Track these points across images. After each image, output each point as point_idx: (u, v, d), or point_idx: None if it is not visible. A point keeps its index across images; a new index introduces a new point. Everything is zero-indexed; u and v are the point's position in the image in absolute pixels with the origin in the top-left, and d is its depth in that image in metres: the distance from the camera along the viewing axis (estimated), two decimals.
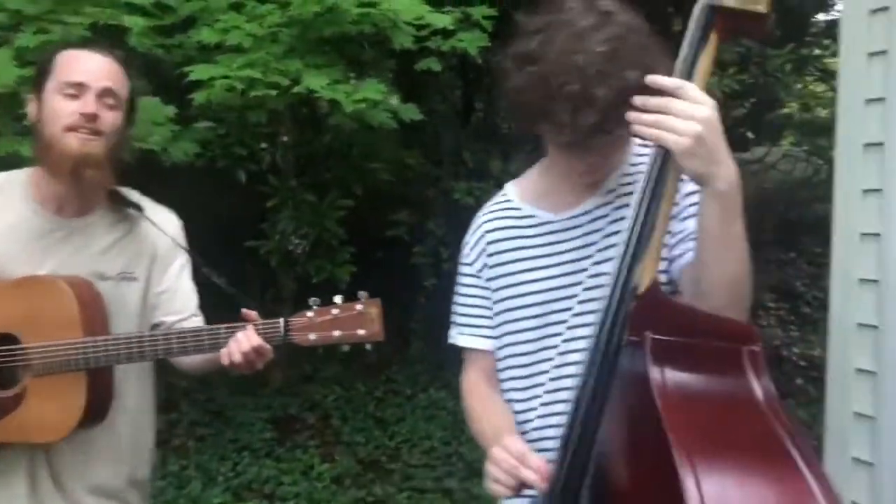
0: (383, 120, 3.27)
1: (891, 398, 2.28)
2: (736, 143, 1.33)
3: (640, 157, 1.38)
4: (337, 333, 1.54)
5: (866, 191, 2.37)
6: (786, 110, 6.96)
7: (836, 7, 6.29)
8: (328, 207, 3.89)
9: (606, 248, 1.35)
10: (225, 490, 4.04)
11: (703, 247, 1.18)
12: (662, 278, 1.31)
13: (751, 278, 1.18)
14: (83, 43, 1.64)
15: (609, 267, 1.22)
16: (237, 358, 1.54)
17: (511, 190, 1.52)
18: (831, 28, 5.70)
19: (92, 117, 1.58)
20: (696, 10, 1.14)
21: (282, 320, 1.56)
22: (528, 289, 1.41)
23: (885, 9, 2.31)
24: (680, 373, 1.03)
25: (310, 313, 1.55)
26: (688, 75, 1.13)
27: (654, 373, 1.02)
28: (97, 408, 1.62)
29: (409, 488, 4.27)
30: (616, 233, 1.32)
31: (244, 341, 1.54)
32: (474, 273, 1.50)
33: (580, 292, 1.36)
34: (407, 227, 5.14)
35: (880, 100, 2.31)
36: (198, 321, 1.77)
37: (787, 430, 0.98)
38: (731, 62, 5.07)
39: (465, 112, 5.74)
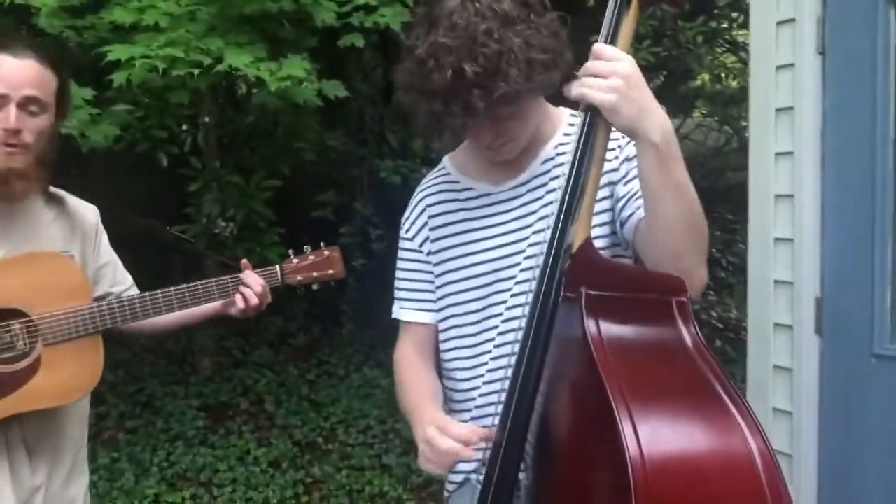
0: (308, 97, 3.24)
1: (806, 350, 2.40)
2: None
3: (572, 126, 1.42)
4: (315, 274, 1.88)
5: (779, 154, 2.47)
6: (697, 82, 7.17)
7: None
8: (255, 188, 3.84)
9: (547, 216, 1.38)
10: (159, 480, 3.98)
11: (649, 199, 1.19)
12: (606, 242, 1.36)
13: (704, 219, 1.20)
14: (1, 44, 1.60)
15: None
16: (254, 301, 1.77)
17: (449, 163, 1.54)
18: (738, 1, 5.88)
19: (14, 132, 1.56)
20: None
21: (278, 266, 1.86)
22: (471, 261, 1.44)
23: None
24: (614, 325, 1.07)
25: (295, 260, 1.87)
26: (611, 41, 1.16)
27: (590, 326, 1.06)
28: None
29: (348, 467, 4.29)
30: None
31: (255, 285, 1.78)
32: (415, 248, 1.52)
33: (522, 261, 1.39)
34: (333, 208, 5.12)
35: (789, 66, 2.41)
36: (135, 290, 1.90)
37: (715, 374, 1.04)
38: (644, 35, 5.19)
39: (387, 91, 5.71)
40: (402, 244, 1.56)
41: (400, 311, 1.57)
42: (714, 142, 7.25)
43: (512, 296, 1.41)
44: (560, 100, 1.30)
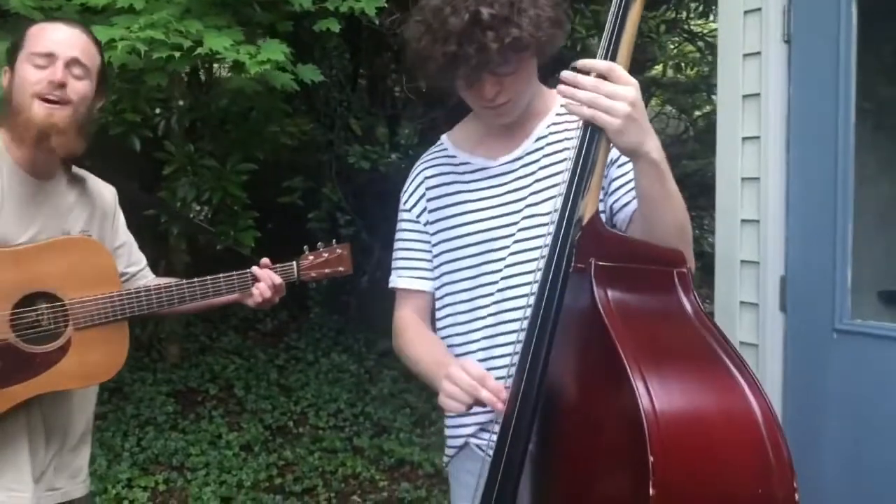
0: (285, 82, 3.26)
1: (770, 327, 2.52)
2: None
3: (564, 107, 1.49)
4: (327, 271, 1.94)
5: (746, 138, 2.57)
6: (653, 72, 7.32)
7: None
8: (231, 172, 3.84)
9: (539, 191, 1.46)
10: (132, 465, 3.98)
11: (649, 209, 1.29)
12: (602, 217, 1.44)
13: (688, 219, 1.33)
14: (55, 18, 1.66)
15: (543, 208, 1.34)
16: (268, 294, 1.84)
17: (446, 140, 1.61)
18: None
19: (60, 84, 1.62)
20: None
21: (294, 263, 1.92)
22: (466, 230, 1.51)
23: None
24: (621, 293, 1.15)
25: (310, 257, 1.94)
26: (611, 55, 1.21)
27: (600, 294, 1.14)
28: None
29: (320, 450, 4.34)
30: (548, 177, 1.44)
31: (272, 280, 1.85)
32: (413, 218, 1.59)
33: (516, 233, 1.47)
34: (301, 194, 5.13)
35: (756, 54, 2.52)
36: (150, 273, 1.98)
37: (716, 339, 1.13)
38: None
39: (353, 77, 5.73)
40: (401, 216, 1.63)
41: (398, 280, 1.63)
42: (674, 130, 7.42)
43: (507, 266, 1.48)
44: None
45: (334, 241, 1.97)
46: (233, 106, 3.96)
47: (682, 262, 1.19)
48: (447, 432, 1.62)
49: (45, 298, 1.68)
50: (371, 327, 5.66)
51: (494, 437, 1.36)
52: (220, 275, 1.83)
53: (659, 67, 7.16)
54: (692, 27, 6.84)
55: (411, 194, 1.60)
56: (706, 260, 3.06)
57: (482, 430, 1.52)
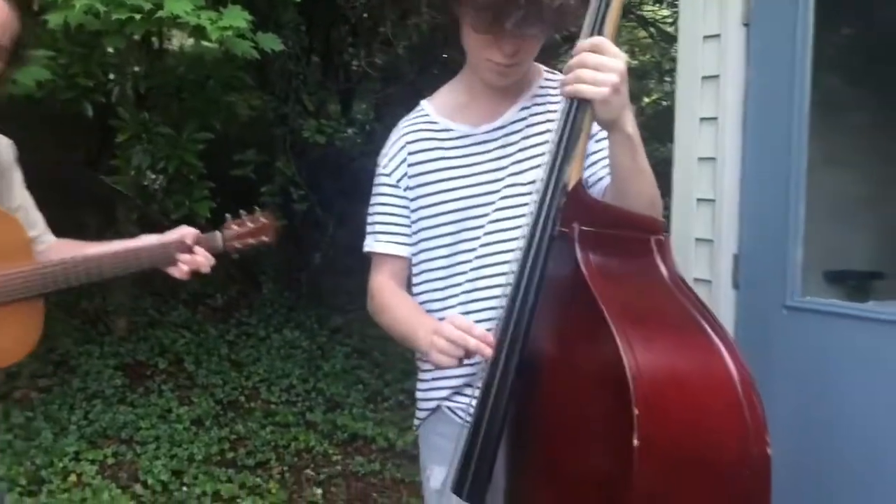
0: (246, 49, 3.21)
1: (723, 302, 2.60)
2: None
3: (548, 80, 1.53)
4: (251, 241, 1.82)
5: (703, 119, 2.64)
6: None
7: None
8: (187, 140, 3.76)
9: (521, 160, 1.48)
10: (79, 438, 3.90)
11: (622, 181, 1.33)
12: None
13: (659, 193, 1.36)
14: None
15: (525, 177, 1.37)
16: (195, 266, 1.72)
17: (428, 105, 1.61)
18: None
19: None
20: None
21: (218, 233, 1.79)
22: (446, 197, 1.52)
23: None
24: (604, 257, 1.19)
25: (234, 226, 1.81)
26: (598, 30, 1.23)
27: (583, 257, 1.17)
28: None
29: (273, 424, 4.32)
30: (531, 146, 1.47)
31: (198, 252, 1.73)
32: (393, 183, 1.58)
33: (497, 200, 1.49)
34: (254, 167, 5.06)
35: (716, 36, 2.58)
36: (50, 235, 1.83)
37: (693, 304, 1.17)
38: None
39: (308, 51, 5.66)
40: (380, 179, 1.61)
41: (374, 244, 1.62)
42: None
43: (486, 233, 1.50)
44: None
45: (256, 208, 1.84)
46: (190, 74, 3.88)
47: (660, 230, 1.23)
48: (419, 395, 1.64)
49: None
50: (324, 304, 5.64)
51: (469, 401, 1.39)
52: (142, 247, 1.71)
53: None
54: (644, 13, 6.94)
55: (391, 158, 1.59)
56: None
57: (456, 393, 1.54)
